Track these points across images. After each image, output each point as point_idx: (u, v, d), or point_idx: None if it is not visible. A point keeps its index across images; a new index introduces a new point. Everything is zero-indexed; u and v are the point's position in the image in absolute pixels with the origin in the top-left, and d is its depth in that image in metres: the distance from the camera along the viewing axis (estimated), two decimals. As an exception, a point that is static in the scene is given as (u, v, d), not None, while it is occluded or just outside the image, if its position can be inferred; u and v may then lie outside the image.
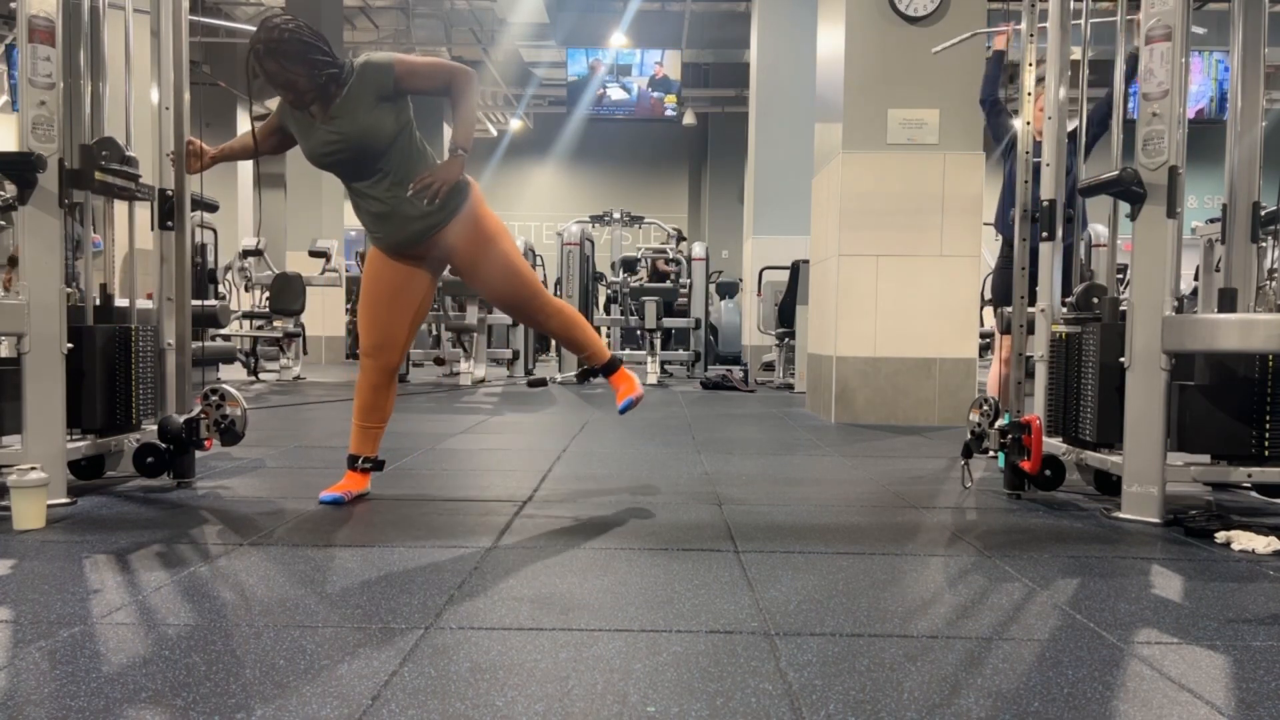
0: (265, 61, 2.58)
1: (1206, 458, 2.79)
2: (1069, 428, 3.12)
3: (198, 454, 3.22)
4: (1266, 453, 2.71)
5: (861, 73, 5.35)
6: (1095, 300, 3.08)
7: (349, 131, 2.67)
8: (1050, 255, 3.26)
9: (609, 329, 11.08)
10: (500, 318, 9.13)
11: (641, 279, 9.88)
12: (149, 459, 3.02)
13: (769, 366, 9.63)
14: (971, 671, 1.51)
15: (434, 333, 10.53)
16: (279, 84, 2.62)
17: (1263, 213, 3.06)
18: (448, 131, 15.19)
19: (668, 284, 9.64)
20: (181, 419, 2.96)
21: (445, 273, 3.12)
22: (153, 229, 3.10)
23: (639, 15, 13.36)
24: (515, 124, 18.43)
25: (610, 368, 3.09)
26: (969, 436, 3.13)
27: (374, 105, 2.67)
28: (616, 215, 11.00)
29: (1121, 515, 2.71)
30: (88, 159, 2.85)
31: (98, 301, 3.15)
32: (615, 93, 13.02)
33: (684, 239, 11.13)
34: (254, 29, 2.68)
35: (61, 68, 2.74)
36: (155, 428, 3.06)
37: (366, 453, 2.91)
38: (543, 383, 3.57)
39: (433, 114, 14.77)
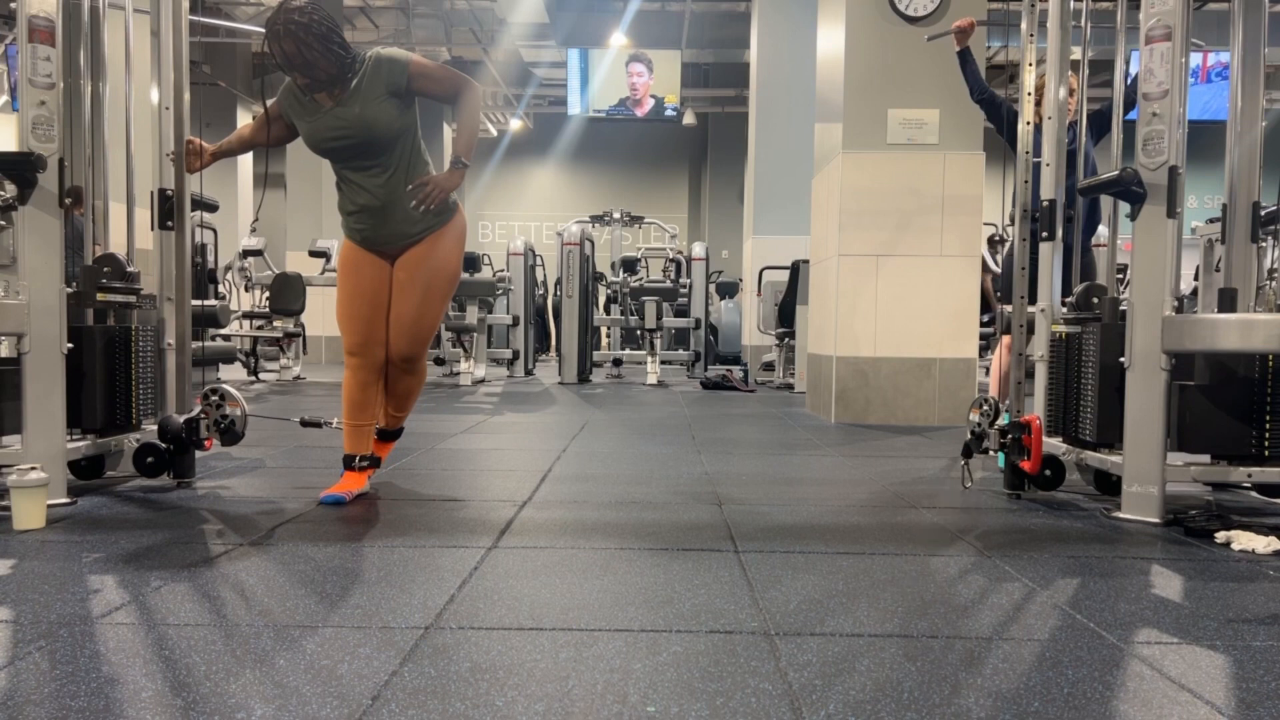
0: (283, 42, 2.61)
1: (1206, 458, 2.79)
2: (1069, 428, 3.12)
3: (198, 454, 3.22)
4: (1266, 453, 2.71)
5: (861, 73, 5.35)
6: (1095, 300, 3.08)
7: (355, 119, 2.72)
8: (1050, 255, 3.26)
9: (609, 329, 11.09)
10: (500, 317, 9.14)
11: (641, 279, 9.86)
12: (149, 459, 3.03)
13: (769, 366, 9.63)
14: (971, 671, 1.50)
15: (434, 333, 10.50)
16: (294, 65, 2.64)
17: (1263, 212, 3.06)
18: (448, 133, 15.20)
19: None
20: (181, 419, 2.96)
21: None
22: (153, 229, 3.10)
23: (639, 15, 13.35)
24: (515, 124, 18.41)
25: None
26: (969, 436, 3.13)
27: (383, 98, 2.73)
28: (616, 215, 11.00)
29: (1121, 515, 2.71)
30: (89, 280, 2.94)
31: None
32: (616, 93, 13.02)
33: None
34: (254, 28, 2.70)
35: (61, 68, 2.74)
36: (155, 428, 3.06)
37: (361, 451, 2.91)
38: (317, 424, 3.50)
39: (434, 117, 14.77)
